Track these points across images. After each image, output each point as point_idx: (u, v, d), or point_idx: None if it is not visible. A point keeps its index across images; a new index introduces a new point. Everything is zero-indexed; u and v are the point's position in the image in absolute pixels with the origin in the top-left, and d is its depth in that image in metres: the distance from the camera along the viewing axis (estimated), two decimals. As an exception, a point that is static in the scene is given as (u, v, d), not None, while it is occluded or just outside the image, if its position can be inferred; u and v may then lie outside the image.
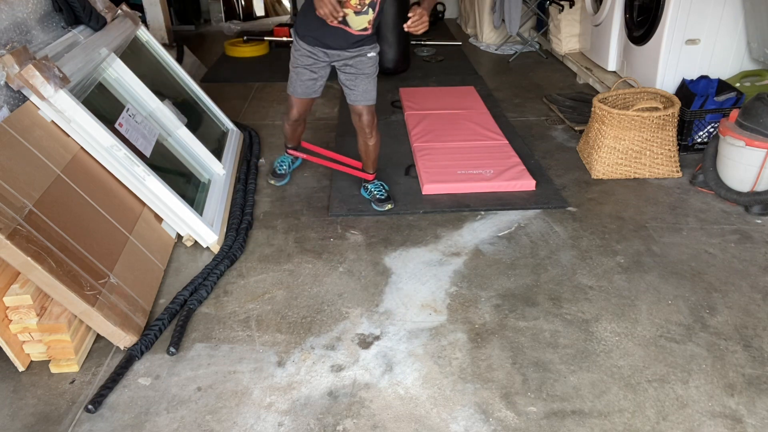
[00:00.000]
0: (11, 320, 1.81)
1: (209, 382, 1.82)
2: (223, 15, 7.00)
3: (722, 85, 3.21)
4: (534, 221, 2.67)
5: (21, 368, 1.86)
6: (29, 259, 1.70)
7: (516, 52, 5.34)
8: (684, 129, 3.20)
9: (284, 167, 3.08)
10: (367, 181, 2.87)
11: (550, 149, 3.42)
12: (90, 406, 1.71)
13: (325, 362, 1.90)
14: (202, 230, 2.43)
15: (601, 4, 4.27)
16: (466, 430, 1.65)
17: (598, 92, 4.11)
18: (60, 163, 2.09)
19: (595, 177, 3.05)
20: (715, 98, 3.12)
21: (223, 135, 3.39)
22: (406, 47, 4.79)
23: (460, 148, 3.29)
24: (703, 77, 3.35)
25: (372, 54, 2.53)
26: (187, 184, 2.69)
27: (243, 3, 7.27)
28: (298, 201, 2.88)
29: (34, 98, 2.11)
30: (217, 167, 2.97)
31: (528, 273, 2.32)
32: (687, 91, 3.23)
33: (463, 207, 2.78)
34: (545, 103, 4.13)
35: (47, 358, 1.87)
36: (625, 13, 3.97)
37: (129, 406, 1.74)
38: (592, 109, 3.14)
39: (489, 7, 5.60)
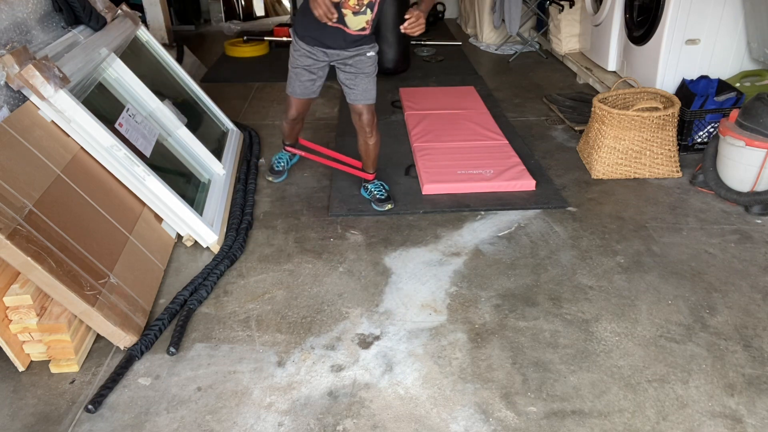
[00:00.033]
0: (11, 320, 1.81)
1: (209, 382, 1.82)
2: (223, 15, 7.00)
3: (722, 85, 3.21)
4: (534, 221, 2.67)
5: (21, 368, 1.86)
6: (29, 259, 1.70)
7: (516, 52, 5.34)
8: (684, 129, 3.20)
9: (282, 164, 3.10)
10: (367, 181, 2.87)
11: (550, 149, 3.42)
12: (90, 406, 1.71)
13: (325, 362, 1.90)
14: (202, 230, 2.43)
15: (601, 4, 4.27)
16: (466, 430, 1.65)
17: (598, 92, 4.12)
18: (60, 163, 2.09)
19: (595, 177, 3.06)
20: (715, 98, 3.12)
21: (223, 135, 3.39)
22: (406, 47, 4.79)
23: (460, 148, 3.29)
24: (703, 77, 3.35)
25: (371, 53, 2.53)
26: (187, 184, 2.69)
27: (243, 3, 7.27)
28: (298, 201, 2.88)
29: (34, 98, 2.11)
30: (217, 167, 2.97)
31: (528, 273, 2.32)
32: (687, 91, 3.23)
33: (463, 207, 2.78)
34: (545, 103, 4.13)
35: (47, 358, 1.87)
36: (625, 13, 3.97)
37: (129, 406, 1.74)
38: (592, 109, 3.14)
39: (489, 7, 5.60)
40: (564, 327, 2.03)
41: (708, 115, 3.15)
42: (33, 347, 1.87)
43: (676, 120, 3.00)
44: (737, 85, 3.35)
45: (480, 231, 2.60)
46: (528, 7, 5.33)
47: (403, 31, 2.23)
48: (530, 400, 1.75)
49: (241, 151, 3.35)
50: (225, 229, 2.58)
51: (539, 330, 2.02)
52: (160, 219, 2.46)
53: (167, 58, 3.39)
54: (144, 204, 2.39)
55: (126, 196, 2.33)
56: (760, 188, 2.71)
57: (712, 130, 3.20)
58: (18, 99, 2.15)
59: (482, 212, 2.75)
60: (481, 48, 5.73)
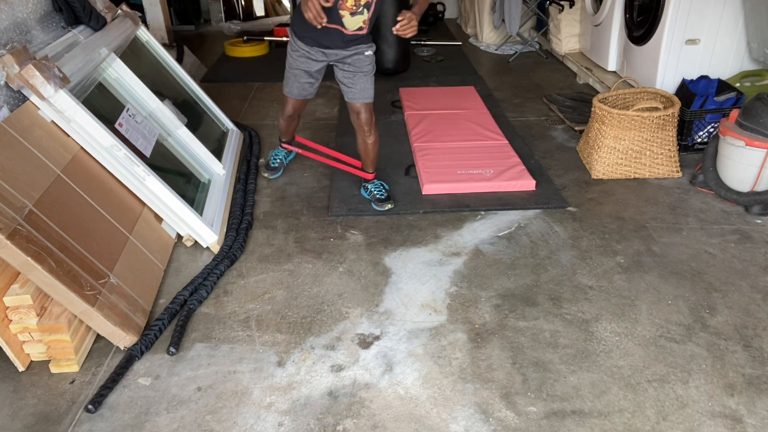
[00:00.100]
0: (11, 320, 1.81)
1: (209, 382, 1.82)
2: (223, 15, 7.00)
3: (722, 85, 3.21)
4: (534, 221, 2.67)
5: (21, 368, 1.86)
6: (29, 259, 1.70)
7: (516, 52, 5.34)
8: (684, 129, 3.20)
9: (278, 160, 3.11)
10: (367, 181, 2.87)
11: (550, 149, 3.42)
12: (90, 406, 1.71)
13: (325, 362, 1.90)
14: (202, 230, 2.43)
15: (601, 4, 4.27)
16: (466, 430, 1.65)
17: (598, 92, 4.12)
18: (60, 163, 2.09)
19: (595, 177, 3.06)
20: (715, 98, 3.12)
21: (223, 135, 3.39)
22: (406, 47, 4.79)
23: (460, 148, 3.29)
24: (703, 77, 3.35)
25: (369, 53, 2.54)
26: (187, 184, 2.69)
27: (243, 3, 7.27)
28: (298, 201, 2.88)
29: (34, 98, 2.11)
30: (217, 167, 2.97)
31: (528, 273, 2.32)
32: (687, 91, 3.23)
33: (463, 207, 2.78)
34: (545, 103, 4.13)
35: (47, 358, 1.87)
36: (625, 13, 3.97)
37: (129, 406, 1.74)
38: (592, 109, 3.14)
39: (489, 7, 5.60)
40: (564, 327, 2.03)
41: (708, 115, 3.15)
42: (33, 347, 1.87)
43: (676, 120, 3.00)
44: (737, 85, 3.35)
45: (480, 231, 2.60)
46: (528, 7, 5.33)
47: (395, 32, 2.24)
48: (530, 400, 1.75)
49: (241, 151, 3.35)
50: (225, 229, 2.58)
51: (539, 330, 2.02)
52: (160, 219, 2.46)
53: (167, 58, 3.39)
54: (144, 204, 2.39)
55: (126, 196, 2.33)
56: (760, 188, 2.71)
57: (712, 130, 3.20)
58: (18, 99, 2.15)
59: (482, 212, 2.75)
60: (481, 48, 5.73)
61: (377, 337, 2.00)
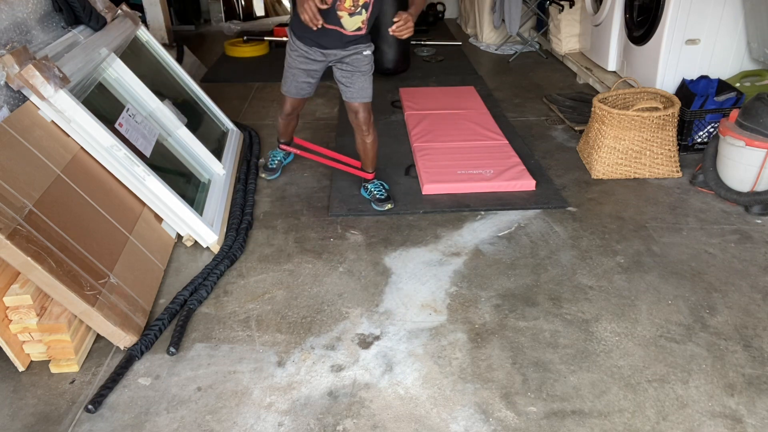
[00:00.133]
0: (11, 320, 1.81)
1: (209, 382, 1.82)
2: (223, 15, 7.00)
3: (722, 85, 3.21)
4: (534, 221, 2.67)
5: (21, 368, 1.86)
6: (29, 259, 1.70)
7: (516, 52, 5.34)
8: (684, 129, 3.20)
9: (276, 161, 3.11)
10: (367, 181, 2.87)
11: (550, 149, 3.42)
12: (90, 406, 1.71)
13: (325, 362, 1.90)
14: (202, 230, 2.43)
15: (601, 4, 4.27)
16: (466, 430, 1.65)
17: (598, 92, 4.12)
18: (60, 163, 2.09)
19: (595, 177, 3.06)
20: (715, 98, 3.12)
21: (223, 135, 3.39)
22: (406, 47, 4.79)
23: (460, 148, 3.29)
24: (703, 77, 3.35)
25: (367, 52, 2.54)
26: (187, 184, 2.69)
27: (243, 3, 7.27)
28: (298, 201, 2.88)
29: (34, 98, 2.11)
30: (217, 167, 2.97)
31: (528, 273, 2.32)
32: (687, 91, 3.23)
33: (463, 207, 2.78)
34: (545, 103, 4.13)
35: (47, 358, 1.87)
36: (625, 13, 3.97)
37: (129, 406, 1.74)
38: (592, 109, 3.14)
39: (489, 7, 5.60)
40: (564, 327, 2.03)
41: (708, 115, 3.15)
42: (33, 347, 1.87)
43: (676, 120, 3.00)
44: (737, 85, 3.35)
45: (480, 231, 2.60)
46: (528, 7, 5.33)
47: (391, 33, 2.24)
48: (530, 400, 1.75)
49: (241, 151, 3.35)
50: (225, 229, 2.58)
51: (539, 330, 2.02)
52: (160, 219, 2.46)
53: (167, 58, 3.39)
54: (144, 204, 2.39)
55: (126, 196, 2.33)
56: (760, 188, 2.71)
57: (712, 130, 3.20)
58: (18, 99, 2.15)
59: (482, 212, 2.75)
60: (481, 48, 5.73)
61: (377, 337, 2.00)
